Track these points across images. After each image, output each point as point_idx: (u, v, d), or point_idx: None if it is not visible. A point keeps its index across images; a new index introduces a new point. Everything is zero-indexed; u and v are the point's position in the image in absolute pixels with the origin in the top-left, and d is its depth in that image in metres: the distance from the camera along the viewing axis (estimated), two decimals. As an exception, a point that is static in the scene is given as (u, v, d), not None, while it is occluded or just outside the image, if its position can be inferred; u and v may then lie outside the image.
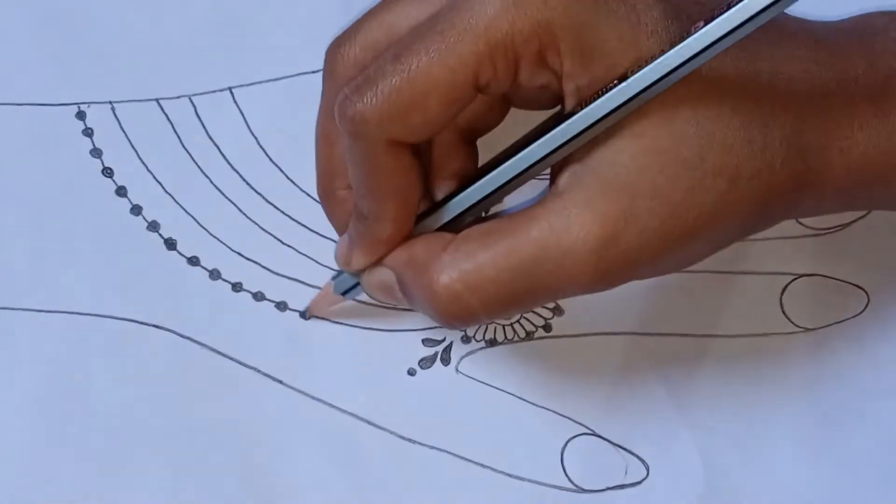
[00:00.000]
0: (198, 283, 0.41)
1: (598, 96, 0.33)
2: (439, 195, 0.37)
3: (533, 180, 0.35)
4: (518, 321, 0.41)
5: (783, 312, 0.41)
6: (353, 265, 0.37)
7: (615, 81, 0.32)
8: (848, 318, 0.41)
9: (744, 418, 0.40)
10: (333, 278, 0.39)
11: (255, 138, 0.43)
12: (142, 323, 0.41)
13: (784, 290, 0.42)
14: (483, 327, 0.41)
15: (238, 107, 0.43)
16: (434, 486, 0.40)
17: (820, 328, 0.41)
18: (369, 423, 0.40)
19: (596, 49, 0.32)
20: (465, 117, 0.36)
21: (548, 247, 0.33)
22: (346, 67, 0.36)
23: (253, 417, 0.40)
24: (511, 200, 0.37)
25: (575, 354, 0.41)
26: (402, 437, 0.40)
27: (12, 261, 0.41)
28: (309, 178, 0.42)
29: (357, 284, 0.38)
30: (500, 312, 0.35)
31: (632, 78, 0.32)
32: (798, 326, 0.41)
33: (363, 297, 0.39)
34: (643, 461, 0.40)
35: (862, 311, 0.42)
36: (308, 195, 0.42)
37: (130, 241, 0.41)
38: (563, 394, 0.40)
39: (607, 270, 0.33)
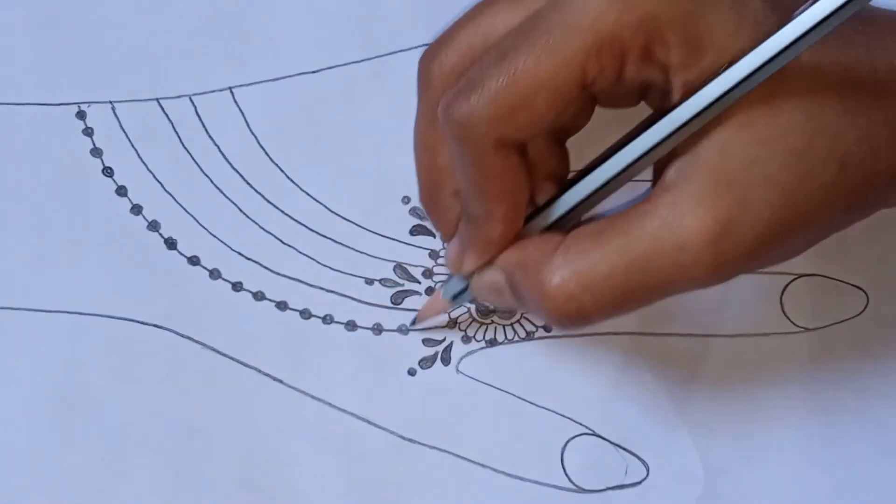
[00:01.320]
0: (198, 282, 0.41)
1: (707, 84, 0.32)
2: (538, 197, 0.37)
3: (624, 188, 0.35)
4: (518, 321, 0.41)
5: (783, 312, 0.41)
6: (464, 268, 0.37)
7: (724, 67, 0.32)
8: (848, 319, 0.41)
9: (744, 418, 0.40)
10: (442, 285, 0.39)
11: (256, 138, 0.42)
12: (142, 322, 0.41)
13: (784, 290, 0.42)
14: (483, 327, 0.41)
15: (238, 106, 0.43)
16: (434, 486, 0.39)
17: (820, 328, 0.41)
18: (369, 422, 0.40)
19: (703, 40, 0.32)
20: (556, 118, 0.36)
21: (661, 242, 0.33)
22: (444, 75, 0.35)
23: (253, 417, 0.40)
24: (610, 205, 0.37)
25: (575, 354, 0.41)
26: (403, 437, 0.40)
27: (12, 260, 0.41)
28: (309, 178, 0.42)
29: (466, 289, 0.38)
30: (613, 311, 0.34)
31: (741, 61, 0.32)
32: (798, 326, 0.41)
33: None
34: (643, 461, 0.40)
35: (862, 312, 0.42)
36: (308, 195, 0.42)
37: (130, 240, 0.41)
38: (563, 394, 0.40)
39: (723, 263, 0.33)
